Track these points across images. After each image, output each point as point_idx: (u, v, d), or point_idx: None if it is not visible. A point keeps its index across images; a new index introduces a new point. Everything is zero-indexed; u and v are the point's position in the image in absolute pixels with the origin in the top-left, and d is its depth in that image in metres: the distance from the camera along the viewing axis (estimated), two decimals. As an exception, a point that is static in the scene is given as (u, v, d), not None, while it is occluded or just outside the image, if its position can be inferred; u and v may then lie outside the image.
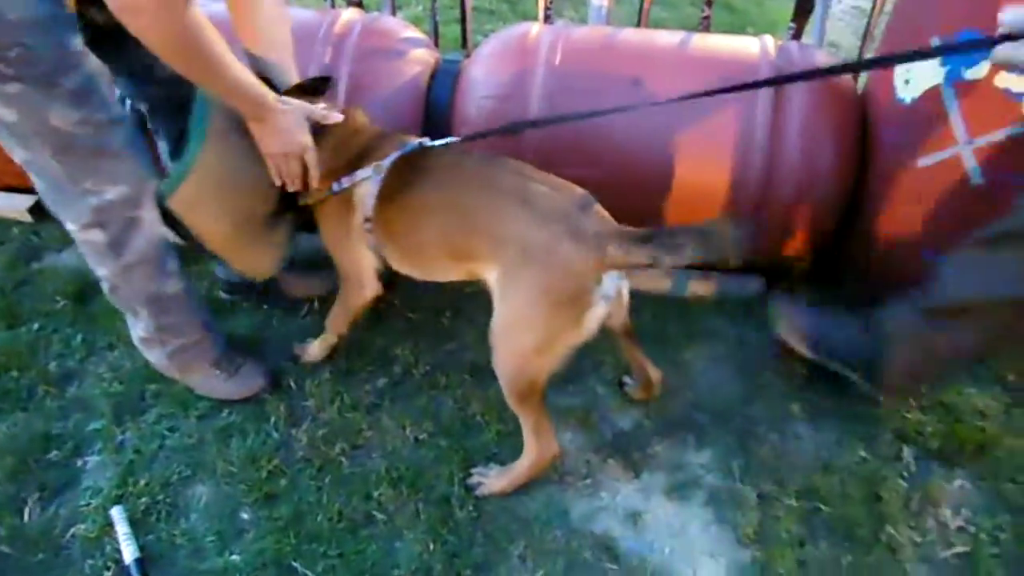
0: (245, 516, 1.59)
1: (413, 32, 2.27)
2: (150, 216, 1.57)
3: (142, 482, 1.65)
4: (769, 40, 2.06)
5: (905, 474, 1.69)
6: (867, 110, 2.01)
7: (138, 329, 1.75)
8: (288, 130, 1.53)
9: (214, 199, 1.59)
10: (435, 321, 2.08)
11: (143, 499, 1.62)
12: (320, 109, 1.61)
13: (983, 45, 1.34)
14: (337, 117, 1.62)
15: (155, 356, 1.80)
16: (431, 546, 1.51)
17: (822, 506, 1.61)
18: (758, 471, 1.69)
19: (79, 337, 2.02)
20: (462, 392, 1.86)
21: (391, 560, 1.50)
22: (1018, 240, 1.51)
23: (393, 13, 2.83)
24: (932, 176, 1.82)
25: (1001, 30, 1.15)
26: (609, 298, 1.41)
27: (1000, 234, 1.55)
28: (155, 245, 1.60)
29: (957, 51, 1.68)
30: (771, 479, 1.67)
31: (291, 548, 1.52)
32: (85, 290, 2.11)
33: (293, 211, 1.74)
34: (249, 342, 2.00)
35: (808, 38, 2.57)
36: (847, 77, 2.11)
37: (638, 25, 2.65)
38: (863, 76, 2.31)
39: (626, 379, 1.87)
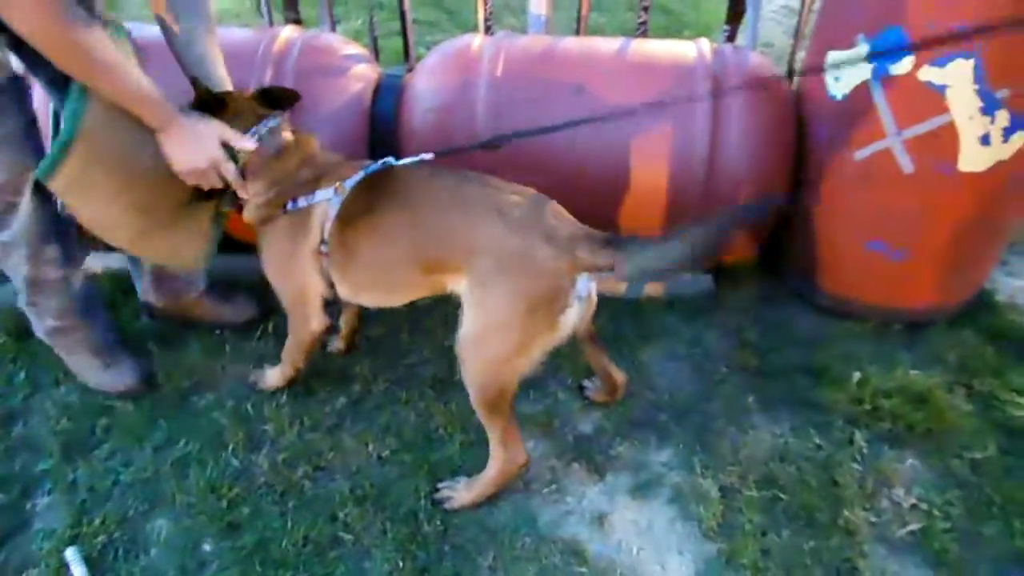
0: (207, 548, 1.56)
1: (354, 48, 2.26)
2: (27, 205, 1.60)
3: (97, 520, 1.60)
4: (705, 43, 2.11)
5: (858, 457, 1.74)
6: (801, 108, 2.07)
7: (21, 297, 1.81)
8: (195, 142, 1.50)
9: (102, 183, 1.51)
10: (392, 337, 2.07)
11: (99, 538, 1.56)
12: (231, 132, 1.55)
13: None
14: (250, 145, 1.57)
15: (37, 328, 1.87)
16: (400, 563, 1.50)
17: (781, 494, 1.65)
18: (718, 465, 1.72)
19: (21, 374, 1.95)
20: (424, 406, 1.85)
21: (360, 580, 1.49)
22: None
23: (332, 29, 2.81)
24: (867, 168, 1.89)
25: None
26: (582, 299, 1.44)
27: None
28: (31, 231, 1.64)
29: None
30: (731, 472, 1.70)
31: (257, 576, 1.50)
32: (25, 326, 2.03)
33: (219, 197, 1.68)
34: (202, 368, 1.96)
35: (742, 39, 2.64)
36: (779, 75, 2.18)
37: (577, 32, 2.69)
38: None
39: (586, 383, 1.89)
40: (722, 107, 1.96)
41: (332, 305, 1.72)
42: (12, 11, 1.22)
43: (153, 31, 1.65)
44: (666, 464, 1.73)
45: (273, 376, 1.87)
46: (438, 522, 1.58)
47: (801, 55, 2.45)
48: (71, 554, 1.52)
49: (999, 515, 1.63)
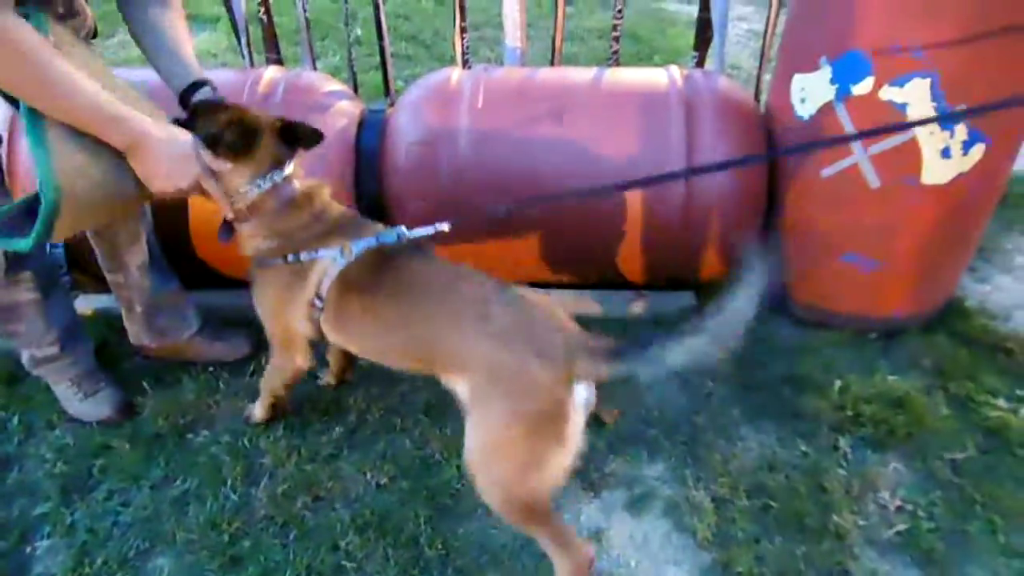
0: (211, 583, 1.57)
1: (336, 85, 2.32)
2: None
3: (99, 561, 1.60)
4: (675, 70, 2.19)
5: (843, 463, 1.80)
6: (771, 129, 2.16)
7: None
8: (171, 162, 1.39)
9: (94, 217, 1.51)
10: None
11: (101, 579, 1.57)
12: (207, 155, 1.47)
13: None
14: (224, 166, 1.49)
15: (24, 357, 1.90)
16: (401, 586, 1.53)
17: (772, 502, 1.69)
18: (710, 476, 1.76)
19: (15, 420, 1.95)
20: (419, 432, 1.88)
21: (365, 608, 1.51)
22: None
23: (313, 66, 2.87)
24: (836, 185, 1.97)
25: None
26: (584, 404, 1.35)
27: None
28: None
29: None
30: (723, 483, 1.74)
31: (262, 609, 1.51)
32: (15, 371, 2.04)
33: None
34: (197, 405, 1.97)
35: (711, 64, 2.73)
36: (748, 97, 2.27)
37: (552, 63, 2.77)
38: (764, 96, 2.48)
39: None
40: (695, 131, 2.03)
41: (320, 343, 1.73)
42: None
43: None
44: (659, 478, 1.77)
45: (258, 409, 1.87)
46: (439, 546, 1.61)
47: (768, 77, 2.54)
48: (74, 596, 1.53)
49: (981, 513, 1.69)
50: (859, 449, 1.84)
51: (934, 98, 1.76)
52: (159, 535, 1.66)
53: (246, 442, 1.86)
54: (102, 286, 2.07)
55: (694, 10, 2.71)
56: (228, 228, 1.61)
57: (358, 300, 1.50)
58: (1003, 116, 1.81)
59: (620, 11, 2.61)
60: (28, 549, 1.65)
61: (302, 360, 1.71)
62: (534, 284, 2.22)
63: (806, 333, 2.20)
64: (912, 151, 1.84)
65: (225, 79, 2.23)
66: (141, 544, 1.65)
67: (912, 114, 1.79)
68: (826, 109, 1.91)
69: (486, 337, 1.35)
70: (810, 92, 1.94)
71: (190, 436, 1.90)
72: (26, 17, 1.24)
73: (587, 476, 1.77)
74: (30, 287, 1.76)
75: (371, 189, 2.17)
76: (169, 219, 2.05)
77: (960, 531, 1.65)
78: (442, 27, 4.56)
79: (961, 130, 1.80)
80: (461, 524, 1.66)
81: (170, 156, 1.39)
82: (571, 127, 2.07)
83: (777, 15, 2.54)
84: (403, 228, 1.54)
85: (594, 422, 1.89)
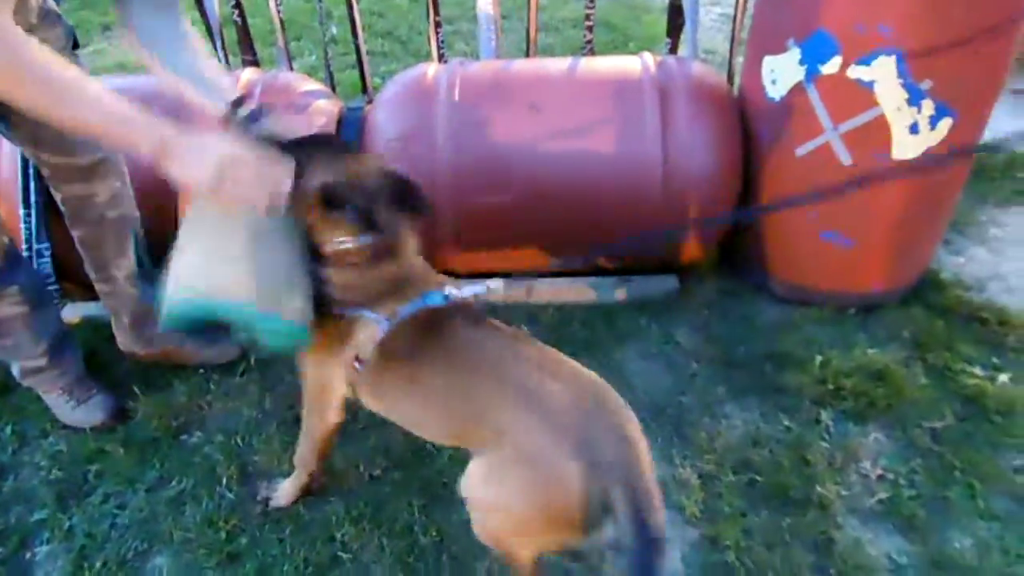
0: (210, 580, 1.59)
1: (313, 84, 2.33)
2: None
3: (98, 564, 1.62)
4: (649, 57, 2.22)
5: (825, 435, 1.84)
6: (744, 111, 2.19)
7: None
8: (198, 151, 1.19)
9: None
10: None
11: (102, 581, 1.59)
12: (314, 204, 1.34)
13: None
14: (327, 220, 1.36)
15: (13, 369, 1.91)
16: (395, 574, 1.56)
17: (758, 477, 1.73)
18: (696, 454, 1.80)
19: (8, 429, 1.97)
20: (409, 424, 1.91)
21: (363, 596, 1.54)
22: None
23: (289, 66, 2.88)
24: (809, 163, 2.01)
25: None
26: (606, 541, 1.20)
27: None
28: None
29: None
30: (709, 460, 1.78)
31: (261, 603, 1.54)
32: (6, 381, 2.05)
33: None
34: (188, 407, 1.99)
35: (684, 49, 2.76)
36: (722, 81, 2.30)
37: (527, 54, 2.80)
38: (737, 78, 2.51)
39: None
40: (669, 116, 2.07)
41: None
42: None
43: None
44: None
45: (287, 488, 1.72)
46: (434, 533, 1.64)
47: (740, 60, 2.58)
48: (75, 599, 1.55)
49: (960, 479, 1.73)
50: (841, 422, 1.88)
51: (900, 75, 1.79)
52: (156, 535, 1.68)
53: (239, 441, 1.88)
54: (89, 294, 2.09)
55: (667, -4, 2.74)
56: None
57: (400, 367, 1.38)
58: (969, 90, 1.86)
59: (592, 0, 2.63)
60: (28, 555, 1.67)
61: (334, 416, 1.56)
62: (527, 273, 2.26)
63: (787, 310, 2.24)
64: (881, 128, 1.88)
65: (202, 82, 2.25)
66: (139, 545, 1.67)
67: (879, 92, 1.83)
68: (796, 90, 1.95)
69: (528, 413, 1.22)
70: (780, 74, 1.97)
71: (183, 437, 1.92)
72: None
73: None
74: (17, 301, 1.76)
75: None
76: (157, 222, 2.06)
77: (940, 497, 1.70)
78: (416, 22, 4.56)
79: (928, 105, 1.84)
80: (454, 512, 1.68)
81: (195, 146, 1.20)
82: (548, 117, 2.09)
83: (747, -1, 2.58)
84: (452, 288, 1.41)
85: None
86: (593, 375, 1.31)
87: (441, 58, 2.72)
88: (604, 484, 1.14)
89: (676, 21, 2.67)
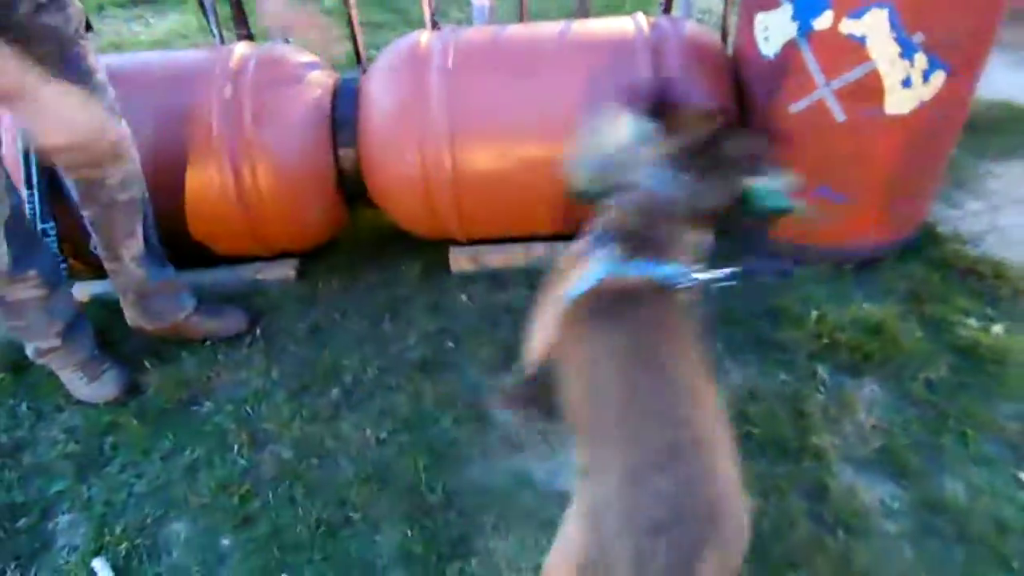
0: (226, 542, 1.65)
1: (308, 56, 2.34)
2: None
3: (118, 530, 1.68)
4: (642, 18, 2.22)
5: (821, 389, 1.87)
6: (738, 69, 2.19)
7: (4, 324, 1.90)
8: (61, 107, 1.33)
9: None
10: (375, 327, 2.17)
11: (122, 546, 1.65)
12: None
13: None
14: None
15: (28, 349, 1.96)
16: (409, 532, 1.61)
17: (754, 429, 1.77)
18: (695, 410, 1.84)
19: (24, 406, 2.02)
20: (413, 388, 1.95)
21: (374, 552, 1.59)
22: None
23: (285, 40, 2.87)
24: (803, 120, 2.02)
25: None
26: None
27: None
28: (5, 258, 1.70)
29: None
30: (707, 415, 1.82)
31: (276, 561, 1.59)
32: (19, 360, 2.10)
33: None
34: (197, 378, 2.04)
35: (678, 10, 2.75)
36: (715, 40, 2.30)
37: (520, 19, 2.79)
38: (732, 37, 2.51)
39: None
40: (663, 71, 2.07)
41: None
42: None
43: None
44: (646, 415, 1.85)
45: None
46: (440, 491, 1.69)
47: (735, 19, 2.57)
48: (98, 564, 1.61)
49: (954, 426, 1.77)
50: (836, 375, 1.91)
51: (892, 28, 1.79)
52: (173, 502, 1.74)
53: (248, 410, 1.93)
54: (98, 273, 2.13)
55: (660, -44, 2.72)
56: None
57: (571, 345, 1.18)
58: (962, 43, 1.86)
59: (585, -38, 2.62)
60: (50, 525, 1.73)
61: None
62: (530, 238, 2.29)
63: (794, 270, 2.26)
64: (874, 83, 1.88)
65: (197, 58, 2.26)
66: (156, 512, 1.73)
67: (872, 46, 1.83)
68: (789, 46, 1.95)
69: (629, 481, 0.98)
70: (773, 30, 1.97)
71: (194, 408, 1.97)
72: None
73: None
74: (36, 284, 1.80)
75: (339, 152, 2.23)
76: (164, 199, 2.10)
77: (933, 445, 1.74)
78: (412, -9, 4.53)
79: (921, 59, 1.84)
80: (460, 470, 1.74)
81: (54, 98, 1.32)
82: (542, 82, 2.10)
83: (741, -44, 2.55)
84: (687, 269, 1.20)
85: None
86: (733, 483, 1.00)
87: (435, 25, 2.71)
88: None
89: (670, -19, 2.66)
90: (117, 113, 1.81)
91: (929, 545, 1.54)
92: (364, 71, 2.72)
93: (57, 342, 1.92)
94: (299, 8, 1.90)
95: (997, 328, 2.01)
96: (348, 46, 2.88)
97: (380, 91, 2.18)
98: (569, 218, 2.20)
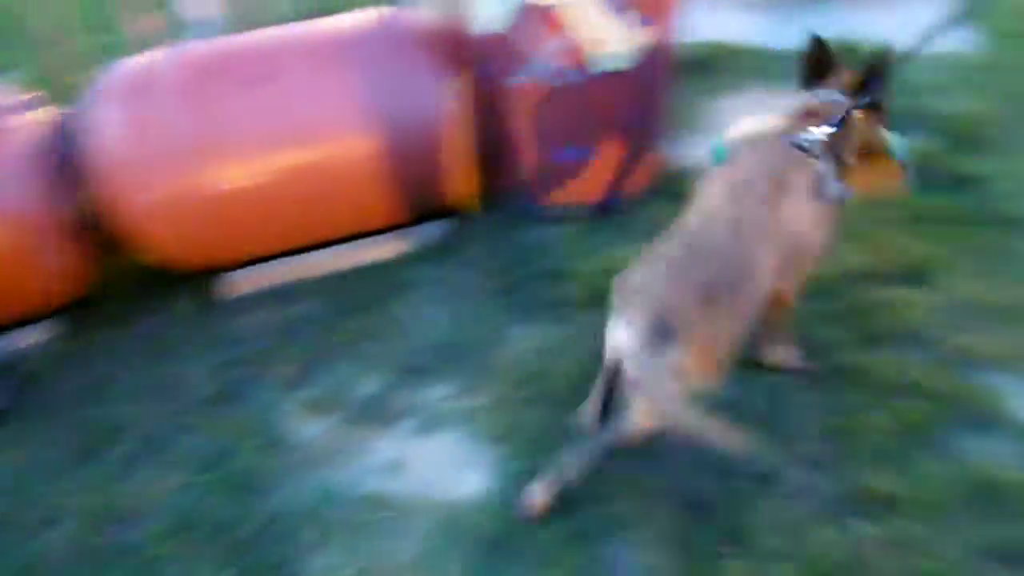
0: None
1: (22, 95, 2.14)
2: None
3: None
4: (373, 11, 2.24)
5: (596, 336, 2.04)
6: (468, 47, 2.28)
7: None
8: None
9: None
10: (156, 372, 2.07)
11: None
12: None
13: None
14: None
15: None
16: (226, 567, 1.58)
17: (542, 386, 1.90)
18: (488, 382, 1.94)
19: None
20: (209, 425, 1.91)
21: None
22: None
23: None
24: (525, 91, 2.15)
25: None
26: None
27: None
28: None
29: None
30: (502, 383, 1.93)
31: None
32: None
33: None
34: None
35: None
36: (448, 25, 2.37)
37: (250, 28, 2.69)
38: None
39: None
40: (391, 67, 2.11)
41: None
42: None
43: None
44: (443, 398, 1.93)
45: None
46: (252, 523, 1.66)
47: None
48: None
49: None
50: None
51: (593, -4, 1.95)
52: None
53: (29, 489, 1.79)
54: None
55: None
56: None
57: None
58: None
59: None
60: None
61: None
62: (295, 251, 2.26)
63: (550, 231, 2.41)
64: (584, 50, 2.04)
65: None
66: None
67: (578, 13, 1.98)
68: (503, 21, 2.05)
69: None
70: (485, 7, 2.08)
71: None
72: None
73: (375, 415, 1.90)
74: None
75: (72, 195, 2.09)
76: None
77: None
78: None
79: (625, 17, 2.02)
80: (267, 498, 1.73)
81: None
82: (278, 86, 2.07)
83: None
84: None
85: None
86: None
87: (154, 46, 2.56)
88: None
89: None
90: None
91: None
92: (86, 102, 2.53)
93: None
94: None
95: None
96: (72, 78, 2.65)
97: (108, 123, 2.04)
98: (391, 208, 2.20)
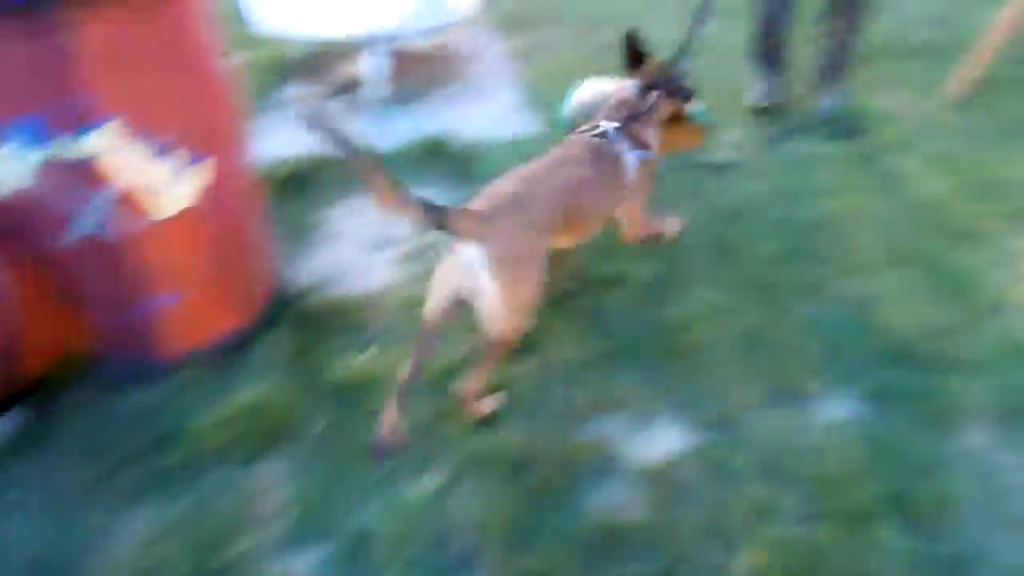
0: None
1: None
2: None
3: None
4: None
5: (230, 490, 1.82)
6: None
7: None
8: None
9: None
10: None
11: None
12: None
13: None
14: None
15: None
16: None
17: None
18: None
19: None
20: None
21: None
22: None
23: None
24: (81, 250, 1.91)
25: None
26: None
27: None
28: None
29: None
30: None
31: None
32: None
33: None
34: None
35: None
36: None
37: None
38: None
39: None
40: None
41: None
42: None
43: None
44: None
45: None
46: None
47: None
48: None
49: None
50: (242, 468, 1.89)
51: (133, 137, 1.79)
52: None
53: None
54: None
55: None
56: None
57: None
58: (213, 131, 1.97)
59: None
60: None
61: None
62: None
63: (159, 389, 2.10)
64: (136, 195, 1.86)
65: None
66: None
67: (114, 162, 1.79)
68: (27, 181, 1.78)
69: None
70: (3, 169, 1.78)
71: None
72: None
73: None
74: None
75: None
76: None
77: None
78: None
79: (175, 157, 1.87)
80: None
81: None
82: None
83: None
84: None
85: None
86: None
87: None
88: None
89: None
90: None
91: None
92: None
93: None
94: None
95: (365, 356, 2.19)
96: None
97: None
98: None
